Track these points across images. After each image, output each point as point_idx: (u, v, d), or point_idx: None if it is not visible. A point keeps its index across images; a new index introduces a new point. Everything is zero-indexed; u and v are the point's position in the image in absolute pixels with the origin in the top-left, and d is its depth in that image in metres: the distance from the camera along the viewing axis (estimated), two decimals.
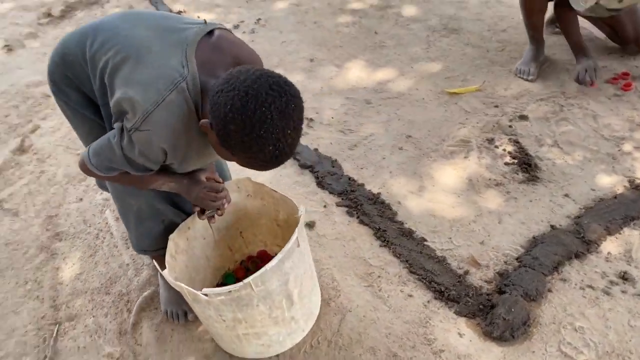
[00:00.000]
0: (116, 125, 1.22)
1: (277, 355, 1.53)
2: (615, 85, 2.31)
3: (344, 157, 2.16)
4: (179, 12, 3.42)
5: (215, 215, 1.49)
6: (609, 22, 2.48)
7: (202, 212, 1.48)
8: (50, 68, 1.38)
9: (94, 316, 1.72)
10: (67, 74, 1.35)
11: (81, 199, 2.17)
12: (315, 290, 1.59)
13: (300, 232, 1.35)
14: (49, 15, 3.59)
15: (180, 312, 1.65)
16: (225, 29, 1.33)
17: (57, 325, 1.70)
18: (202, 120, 1.15)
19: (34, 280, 1.86)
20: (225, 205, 1.47)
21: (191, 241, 1.59)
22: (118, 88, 1.19)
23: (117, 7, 3.64)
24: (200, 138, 1.23)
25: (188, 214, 1.55)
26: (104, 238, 1.98)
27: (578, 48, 2.34)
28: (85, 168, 1.31)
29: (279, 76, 1.11)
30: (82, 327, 1.69)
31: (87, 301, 1.77)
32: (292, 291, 1.40)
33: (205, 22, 1.28)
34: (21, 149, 2.50)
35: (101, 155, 1.26)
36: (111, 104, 1.22)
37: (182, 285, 1.28)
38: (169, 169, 1.33)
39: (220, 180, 1.49)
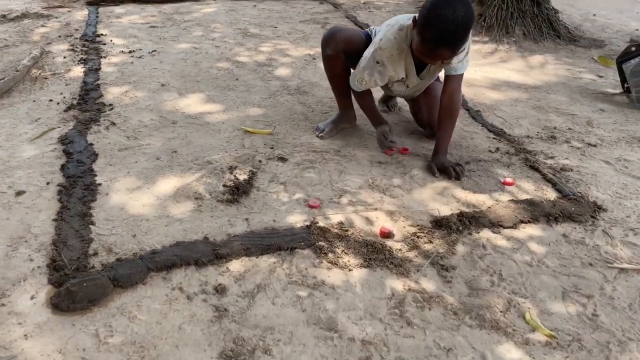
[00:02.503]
0: None
1: None
2: (389, 155, 2.33)
3: (108, 154, 2.25)
4: (100, 35, 3.75)
5: None
6: (411, 104, 2.56)
7: None
8: None
9: None
10: None
11: None
12: None
13: None
14: (3, 17, 4.04)
15: None
16: None
17: None
18: None
19: None
20: None
21: None
22: None
23: (55, 23, 4.05)
24: None
25: None
26: None
27: (374, 119, 2.42)
28: None
29: None
30: None
31: None
32: None
33: None
34: None
35: None
36: None
37: None
38: None
39: None
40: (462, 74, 2.23)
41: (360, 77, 2.26)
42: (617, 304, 1.53)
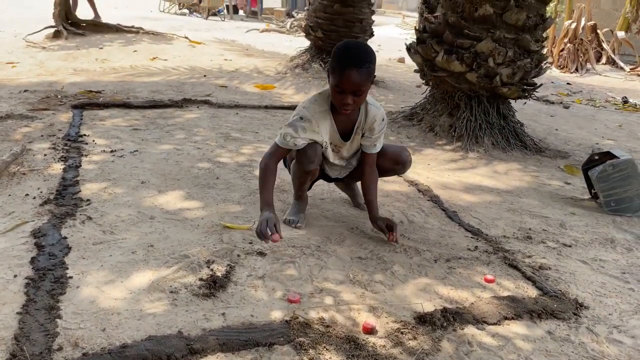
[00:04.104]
0: None
1: None
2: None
3: (82, 248, 2.19)
4: (83, 135, 3.82)
5: None
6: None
7: None
8: None
9: None
10: None
11: None
12: None
13: None
14: None
15: None
16: None
17: None
18: None
19: None
20: None
21: None
22: None
23: None
24: None
25: None
26: None
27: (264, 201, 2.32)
28: None
29: None
30: None
31: None
32: None
33: None
34: None
35: None
36: None
37: None
38: None
39: None
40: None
41: (284, 133, 2.38)
42: None
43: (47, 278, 1.93)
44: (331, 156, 2.56)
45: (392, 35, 15.31)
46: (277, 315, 1.80)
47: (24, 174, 3.00)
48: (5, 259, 2.07)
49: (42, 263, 2.04)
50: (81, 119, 4.30)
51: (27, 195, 2.70)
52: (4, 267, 2.01)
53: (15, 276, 1.94)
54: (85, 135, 3.85)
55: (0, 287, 1.87)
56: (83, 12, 9.56)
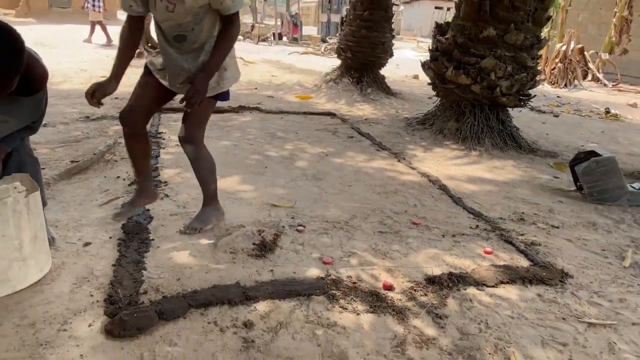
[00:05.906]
0: None
1: None
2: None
3: (161, 218, 2.27)
4: (160, 132, 3.93)
5: None
6: None
7: None
8: None
9: None
10: None
11: None
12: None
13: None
14: (87, 117, 4.28)
15: None
16: None
17: None
18: None
19: None
20: None
21: None
22: None
23: None
24: None
25: None
26: None
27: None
28: None
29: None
30: None
31: None
32: None
33: None
34: None
35: None
36: None
37: None
38: None
39: None
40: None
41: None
42: (589, 352, 1.46)
43: (135, 240, 2.02)
44: (161, 12, 1.85)
45: (408, 57, 15.09)
46: (314, 272, 1.83)
47: (115, 161, 3.11)
48: (103, 224, 2.17)
49: (131, 228, 2.12)
50: (159, 120, 4.42)
51: (118, 177, 2.81)
52: (101, 230, 2.10)
53: (110, 237, 2.04)
54: (162, 132, 3.96)
55: (99, 245, 1.96)
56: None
